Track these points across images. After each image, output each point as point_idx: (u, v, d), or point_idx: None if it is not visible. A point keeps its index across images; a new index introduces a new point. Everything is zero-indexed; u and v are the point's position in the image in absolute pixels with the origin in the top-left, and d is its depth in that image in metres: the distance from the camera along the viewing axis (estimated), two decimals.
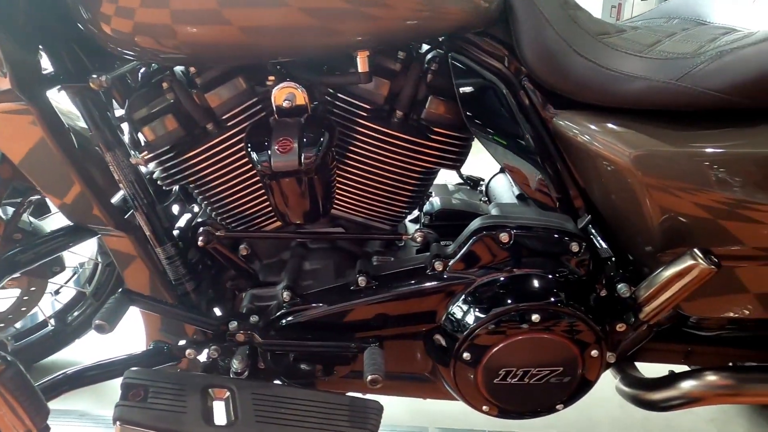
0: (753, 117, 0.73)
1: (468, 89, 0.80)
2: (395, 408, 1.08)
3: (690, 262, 0.73)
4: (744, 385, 0.89)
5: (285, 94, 0.75)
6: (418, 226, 0.96)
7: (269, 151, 0.72)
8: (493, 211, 0.91)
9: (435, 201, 1.00)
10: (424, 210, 1.00)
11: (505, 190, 1.03)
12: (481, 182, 1.10)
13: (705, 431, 1.15)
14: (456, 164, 0.89)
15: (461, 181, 1.12)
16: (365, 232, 0.94)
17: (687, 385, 0.92)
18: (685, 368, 0.98)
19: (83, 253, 1.32)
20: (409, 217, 1.03)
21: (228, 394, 0.80)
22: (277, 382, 0.93)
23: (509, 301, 0.79)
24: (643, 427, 1.16)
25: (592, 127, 0.76)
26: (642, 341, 0.95)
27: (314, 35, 0.72)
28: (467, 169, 1.09)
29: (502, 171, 1.06)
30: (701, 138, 0.74)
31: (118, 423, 0.74)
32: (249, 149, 0.74)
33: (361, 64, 0.74)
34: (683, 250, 0.76)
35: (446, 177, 1.11)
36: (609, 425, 1.17)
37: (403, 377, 0.94)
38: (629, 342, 0.94)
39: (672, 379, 0.93)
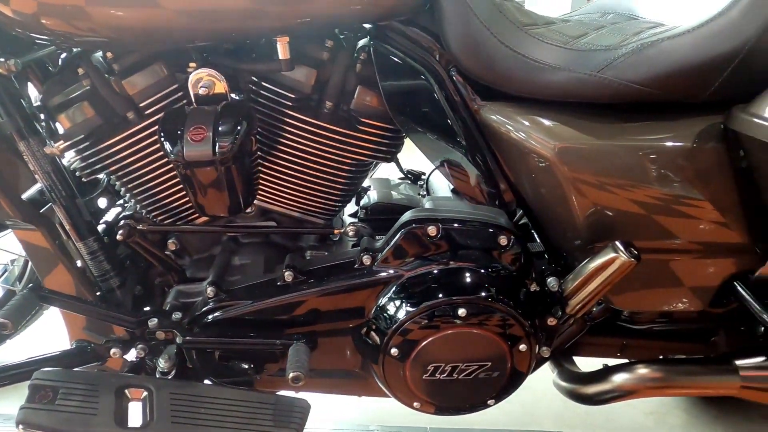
0: (673, 109, 0.74)
1: (393, 80, 0.78)
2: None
3: (611, 254, 0.73)
4: (673, 377, 0.90)
5: (201, 80, 0.72)
6: (353, 220, 0.95)
7: (182, 140, 0.69)
8: (427, 205, 0.90)
9: (372, 195, 0.98)
10: (361, 204, 0.98)
11: (444, 184, 1.02)
12: (422, 176, 1.09)
13: (643, 424, 1.16)
14: (387, 157, 0.87)
15: (402, 175, 1.10)
16: (298, 226, 0.91)
17: (619, 378, 0.92)
18: (620, 362, 0.98)
19: (14, 250, 1.26)
20: (349, 211, 1.01)
21: (145, 394, 0.77)
22: (207, 382, 0.90)
23: (437, 296, 0.78)
24: (585, 421, 1.17)
25: (518, 118, 0.75)
26: (577, 335, 0.95)
27: (230, 19, 0.69)
28: (411, 162, 1.08)
29: (442, 164, 1.05)
30: (623, 131, 0.74)
31: (20, 426, 0.70)
32: (161, 138, 0.71)
33: (282, 50, 0.72)
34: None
35: (388, 171, 1.10)
36: (551, 420, 1.17)
37: (337, 374, 0.92)
38: (564, 336, 0.94)
39: (605, 373, 0.93)
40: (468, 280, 0.79)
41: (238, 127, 0.71)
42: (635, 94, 0.71)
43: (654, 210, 0.76)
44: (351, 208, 1.01)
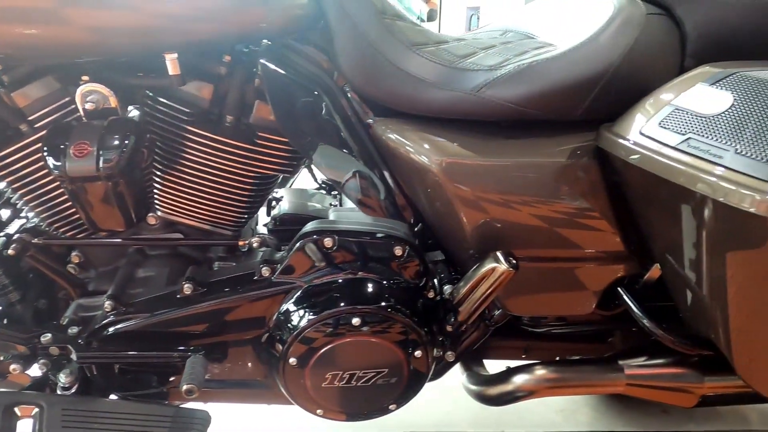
0: (550, 127, 0.78)
1: (285, 97, 0.79)
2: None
3: (492, 264, 0.77)
4: (565, 378, 0.95)
5: (89, 95, 0.72)
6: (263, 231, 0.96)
7: (65, 156, 0.69)
8: (331, 217, 0.92)
9: (283, 205, 1.00)
10: (272, 214, 0.99)
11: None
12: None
13: (553, 421, 1.22)
14: (289, 170, 0.89)
15: (318, 185, 1.12)
16: (205, 238, 0.92)
17: (518, 380, 0.97)
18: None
19: None
20: (263, 222, 1.03)
21: (36, 411, 0.76)
22: (113, 396, 0.89)
23: (331, 306, 0.80)
24: (498, 420, 1.22)
25: (406, 135, 0.78)
26: (481, 339, 0.99)
27: (117, 35, 0.70)
28: None
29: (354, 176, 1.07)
30: (504, 147, 0.78)
31: None
32: (45, 153, 0.70)
33: (171, 66, 0.73)
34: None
35: (306, 181, 1.12)
36: (467, 421, 1.21)
37: (245, 384, 0.93)
38: (469, 341, 0.98)
39: (505, 375, 0.97)
40: (363, 290, 0.82)
41: (126, 142, 0.71)
42: (512, 112, 0.75)
43: (537, 221, 0.80)
44: (263, 219, 1.03)
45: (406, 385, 0.86)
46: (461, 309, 0.83)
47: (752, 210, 0.56)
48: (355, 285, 0.82)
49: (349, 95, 0.81)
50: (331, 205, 1.06)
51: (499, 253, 0.77)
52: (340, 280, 0.82)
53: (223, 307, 0.83)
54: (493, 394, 0.98)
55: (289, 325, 0.81)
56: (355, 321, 0.79)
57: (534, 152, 0.78)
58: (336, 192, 1.10)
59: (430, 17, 5.71)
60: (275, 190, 1.04)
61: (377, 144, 0.82)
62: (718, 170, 0.59)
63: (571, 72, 0.74)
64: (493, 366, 1.02)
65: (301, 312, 0.81)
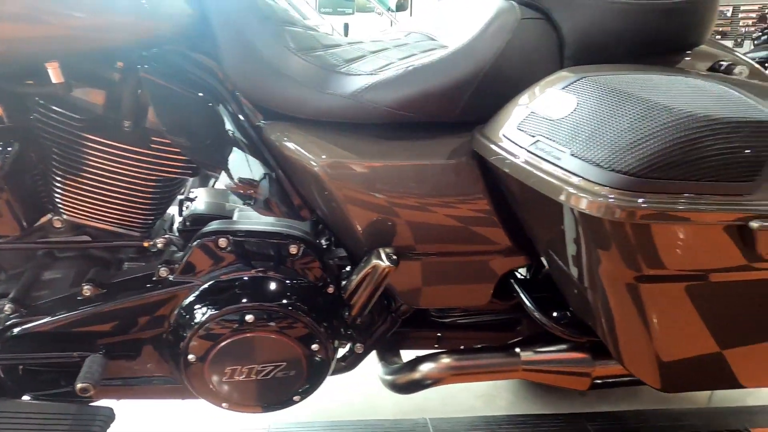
0: (433, 128, 0.82)
1: (171, 103, 0.81)
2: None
3: (373, 261, 0.81)
4: (467, 365, 1.00)
5: None
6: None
7: None
8: (235, 217, 0.94)
9: (195, 205, 1.02)
10: (183, 215, 1.01)
11: None
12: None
13: (474, 405, 1.27)
14: (188, 173, 0.91)
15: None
16: (112, 240, 0.94)
17: (425, 368, 1.01)
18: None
19: None
20: (177, 222, 1.05)
21: None
22: (26, 397, 0.91)
23: (227, 304, 0.83)
24: (421, 407, 1.26)
25: (293, 137, 0.81)
26: (390, 330, 1.03)
27: None
28: None
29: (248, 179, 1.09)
30: (387, 148, 0.81)
31: None
32: None
33: (53, 74, 0.74)
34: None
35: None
36: (390, 409, 1.26)
37: (155, 381, 0.96)
38: (379, 332, 1.02)
39: (412, 364, 1.01)
40: (258, 287, 0.85)
41: (9, 149, 0.73)
42: (390, 115, 0.78)
43: (423, 219, 0.84)
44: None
45: (306, 378, 0.90)
46: (352, 304, 0.87)
47: (585, 210, 0.60)
48: (250, 283, 0.85)
49: (239, 99, 0.83)
50: (246, 204, 1.08)
51: (381, 250, 0.81)
52: (235, 279, 0.85)
53: (123, 307, 0.85)
54: (401, 382, 1.03)
55: (186, 323, 0.84)
56: (249, 318, 0.82)
57: (414, 153, 0.81)
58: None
59: (401, 7, 5.70)
60: (192, 190, 1.06)
61: (269, 147, 0.84)
62: (557, 172, 0.63)
63: (444, 76, 0.77)
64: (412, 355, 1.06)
65: (198, 310, 0.84)
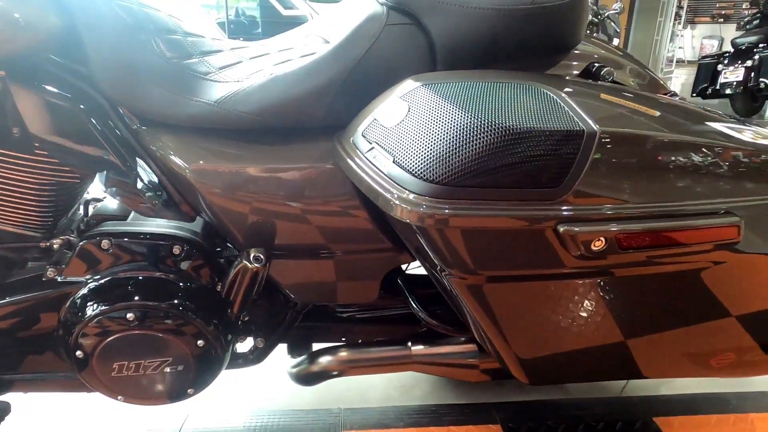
0: (296, 134, 0.84)
1: (47, 109, 0.84)
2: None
3: (242, 262, 0.84)
4: (362, 358, 1.04)
5: None
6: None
7: None
8: (131, 218, 0.98)
9: (104, 206, 1.05)
10: (88, 215, 1.05)
11: None
12: None
13: (391, 395, 1.31)
14: (75, 178, 0.93)
15: None
16: (13, 241, 0.97)
17: (323, 361, 1.05)
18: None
19: None
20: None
21: None
22: None
23: (108, 303, 0.86)
24: (340, 397, 1.30)
25: (166, 143, 0.84)
26: (292, 324, 1.07)
27: None
28: None
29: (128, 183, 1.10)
30: (252, 154, 0.83)
31: None
32: None
33: None
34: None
35: None
36: (308, 400, 1.30)
37: (56, 375, 1.00)
38: (280, 326, 1.06)
39: (311, 357, 1.06)
40: (141, 287, 0.88)
41: None
42: (254, 122, 0.81)
43: (297, 221, 0.86)
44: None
45: (197, 372, 0.93)
46: (231, 302, 0.90)
47: (401, 218, 0.63)
48: (132, 283, 0.88)
49: (116, 106, 0.86)
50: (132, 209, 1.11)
51: (250, 251, 0.84)
52: (117, 279, 0.88)
53: (15, 305, 0.89)
54: (302, 374, 1.07)
55: (72, 321, 0.88)
56: (130, 316, 0.86)
57: (283, 158, 0.84)
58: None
59: None
60: (104, 190, 1.09)
61: (147, 151, 0.87)
62: (381, 179, 0.66)
63: (301, 84, 0.79)
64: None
65: (81, 310, 0.87)
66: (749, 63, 5.58)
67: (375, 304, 1.08)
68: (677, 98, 0.98)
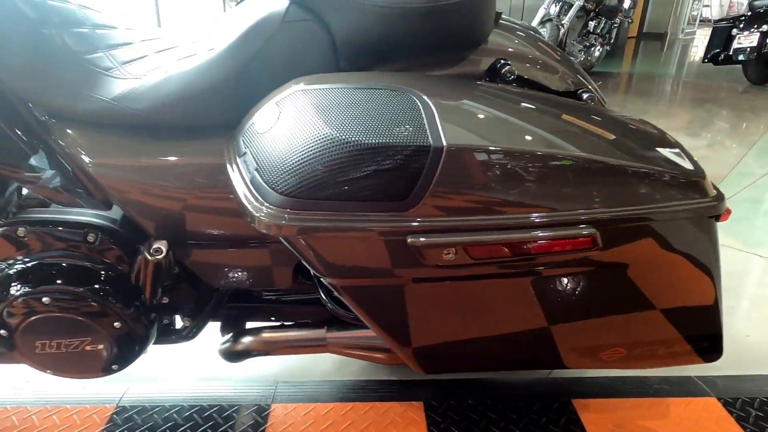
0: (194, 131, 0.86)
1: None
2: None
3: (143, 253, 0.88)
4: (281, 339, 1.09)
5: None
6: None
7: None
8: (51, 207, 1.02)
9: (29, 192, 1.09)
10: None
11: None
12: None
13: (329, 371, 1.38)
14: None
15: None
16: None
17: (245, 341, 1.11)
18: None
19: None
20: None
21: None
22: None
23: (26, 286, 0.92)
24: (278, 373, 1.37)
25: (69, 136, 0.87)
26: (216, 306, 1.12)
27: None
28: None
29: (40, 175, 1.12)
30: (151, 149, 0.86)
31: None
32: None
33: None
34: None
35: None
36: (244, 375, 1.37)
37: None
38: (204, 307, 1.11)
39: (234, 336, 1.11)
40: (56, 272, 0.93)
41: None
42: (148, 120, 0.83)
43: (202, 213, 0.90)
44: None
45: (118, 351, 0.99)
46: (142, 287, 0.95)
47: (256, 226, 0.65)
48: (50, 268, 0.93)
49: (25, 100, 0.88)
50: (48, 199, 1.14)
51: (150, 243, 0.88)
52: (36, 264, 0.93)
53: None
54: (227, 352, 1.13)
55: None
56: (46, 300, 0.91)
57: (180, 154, 0.86)
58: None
59: None
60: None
61: (56, 144, 0.90)
62: (241, 188, 0.68)
63: (195, 83, 0.81)
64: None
65: (5, 291, 0.93)
66: (765, 28, 5.35)
67: (299, 287, 1.13)
68: (592, 100, 0.97)
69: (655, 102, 4.79)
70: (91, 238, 0.94)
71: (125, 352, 1.01)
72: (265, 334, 1.10)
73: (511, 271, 0.72)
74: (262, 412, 1.22)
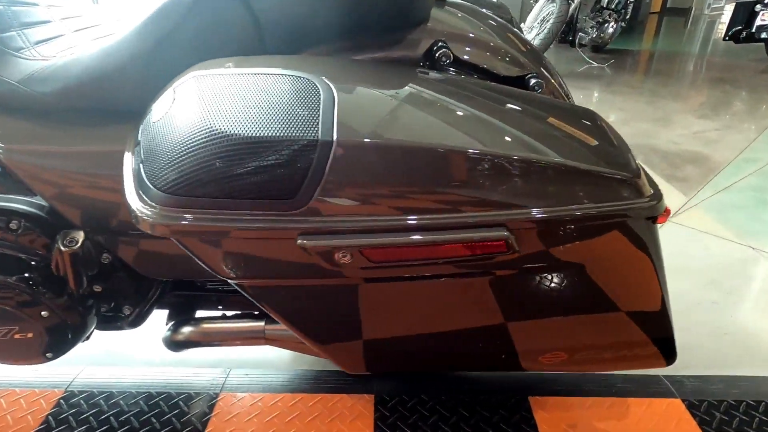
0: (106, 115, 0.82)
1: None
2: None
3: (57, 244, 0.85)
4: (219, 330, 1.06)
5: None
6: None
7: None
8: None
9: None
10: None
11: None
12: None
13: (287, 359, 1.35)
14: None
15: None
16: None
17: (185, 331, 1.09)
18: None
19: None
20: None
21: None
22: None
23: None
24: (226, 359, 1.35)
25: None
26: (159, 294, 1.09)
27: None
28: None
29: None
30: (61, 133, 0.82)
31: None
32: None
33: None
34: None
35: None
36: (198, 361, 1.35)
37: None
38: (145, 295, 1.09)
39: (174, 326, 1.09)
40: None
41: None
42: (56, 103, 0.79)
43: (113, 199, 0.85)
44: None
45: (49, 339, 0.98)
46: (63, 277, 0.92)
47: (136, 224, 0.61)
48: None
49: None
50: None
51: (64, 233, 0.85)
52: None
53: None
54: (168, 341, 1.11)
55: None
56: None
57: (88, 139, 0.82)
58: None
59: None
60: None
61: None
62: (128, 181, 0.64)
63: (102, 64, 0.76)
64: None
65: None
66: None
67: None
68: (539, 87, 0.90)
69: (669, 82, 4.60)
70: (14, 225, 0.91)
71: (57, 340, 0.99)
72: (204, 326, 1.08)
73: (420, 274, 0.67)
74: (210, 400, 1.20)
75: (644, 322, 0.85)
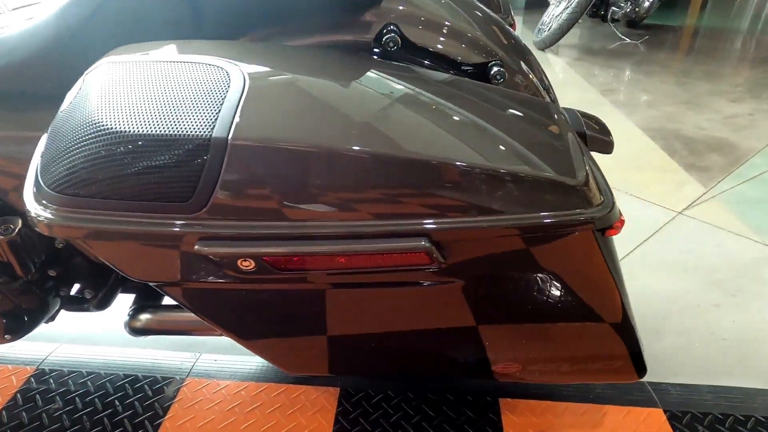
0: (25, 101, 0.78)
1: None
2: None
3: None
4: (173, 321, 1.05)
5: None
6: None
7: None
8: None
9: None
10: None
11: None
12: None
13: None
14: None
15: None
16: None
17: (143, 318, 1.07)
18: None
19: None
20: None
21: None
22: None
23: None
24: (200, 342, 1.35)
25: None
26: (115, 285, 1.09)
27: None
28: None
29: None
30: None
31: None
32: None
33: None
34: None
35: None
36: (175, 343, 1.35)
37: None
38: (106, 278, 1.08)
39: (133, 313, 1.08)
40: None
41: None
42: None
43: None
44: None
45: (7, 322, 0.98)
46: (9, 266, 0.91)
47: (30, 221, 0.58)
48: None
49: None
50: None
51: (9, 219, 0.83)
52: None
53: None
54: (128, 326, 1.10)
55: None
56: None
57: (9, 124, 0.79)
58: None
59: None
60: None
61: None
62: (29, 175, 0.60)
63: (21, 48, 0.73)
64: None
65: None
66: None
67: None
68: (501, 76, 0.82)
69: (706, 60, 4.32)
70: None
71: (13, 323, 0.99)
72: (159, 314, 1.06)
73: (339, 282, 0.63)
74: (175, 385, 1.20)
75: (604, 335, 0.79)
